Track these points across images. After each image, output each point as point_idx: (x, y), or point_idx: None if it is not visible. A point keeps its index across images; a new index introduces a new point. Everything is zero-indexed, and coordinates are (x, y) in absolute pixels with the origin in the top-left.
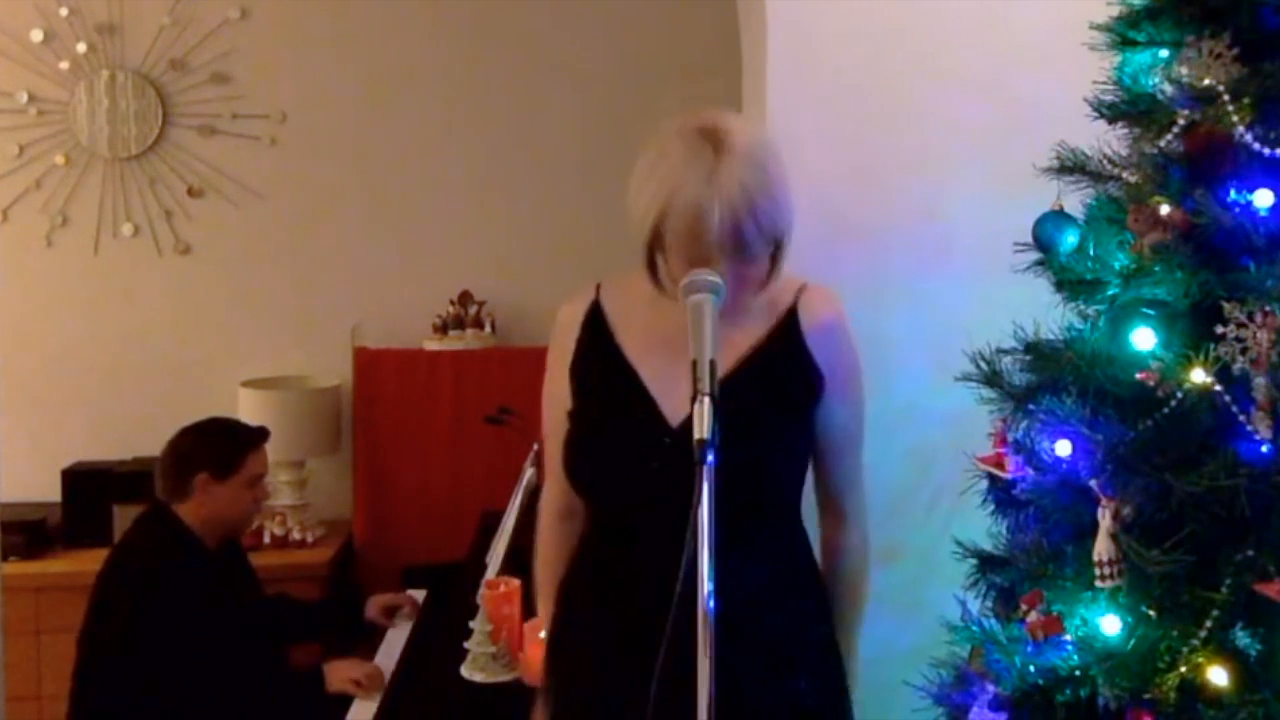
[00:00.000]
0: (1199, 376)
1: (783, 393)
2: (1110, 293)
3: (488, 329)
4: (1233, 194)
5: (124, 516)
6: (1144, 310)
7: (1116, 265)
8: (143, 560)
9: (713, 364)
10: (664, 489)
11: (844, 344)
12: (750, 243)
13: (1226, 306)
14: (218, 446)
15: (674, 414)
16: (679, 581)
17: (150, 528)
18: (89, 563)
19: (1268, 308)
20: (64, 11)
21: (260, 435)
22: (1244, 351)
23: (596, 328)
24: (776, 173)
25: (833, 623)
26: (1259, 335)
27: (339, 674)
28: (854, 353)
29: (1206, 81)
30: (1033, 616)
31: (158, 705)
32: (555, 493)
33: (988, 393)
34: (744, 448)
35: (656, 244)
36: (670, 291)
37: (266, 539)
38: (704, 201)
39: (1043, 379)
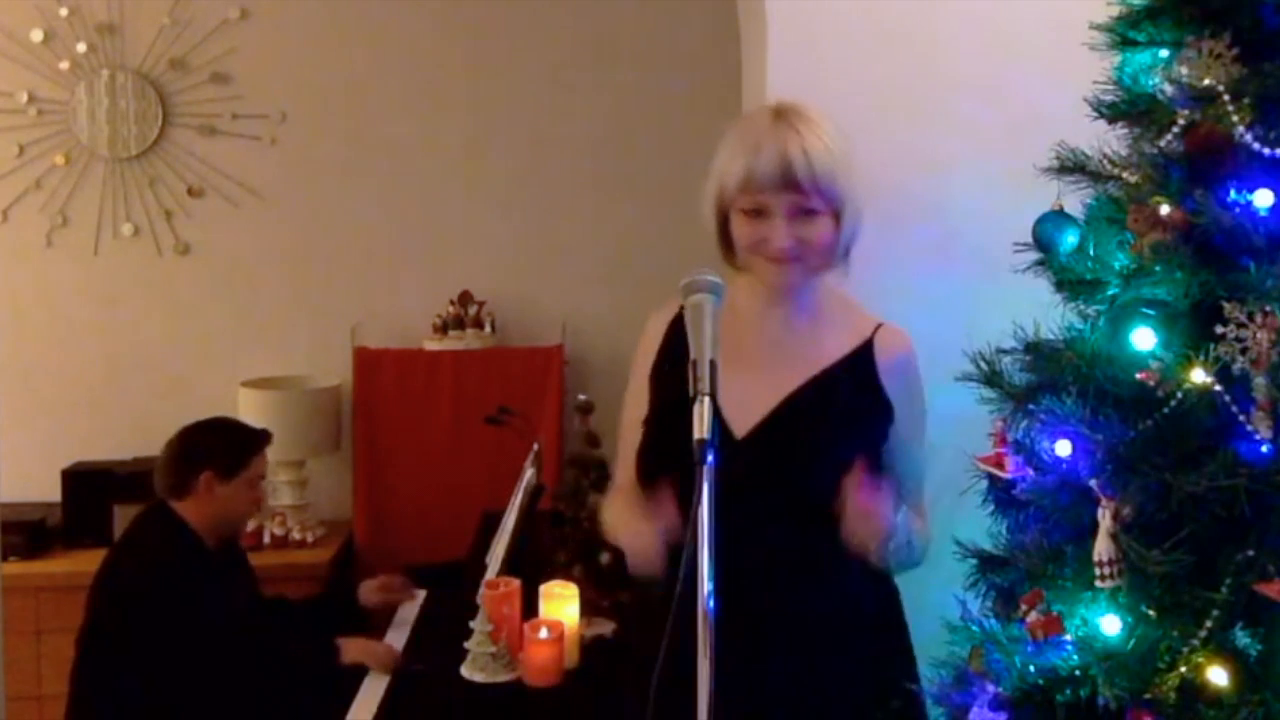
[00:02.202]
0: (1199, 376)
1: (850, 417)
2: (1110, 293)
3: (488, 329)
4: (1233, 194)
5: (124, 516)
6: (1144, 310)
7: (1116, 265)
8: (143, 559)
9: (713, 364)
10: (727, 500)
11: (916, 380)
12: (800, 180)
13: (1226, 306)
14: (225, 446)
15: (740, 426)
16: (680, 581)
17: (151, 526)
18: (89, 563)
19: (1268, 308)
20: (64, 11)
21: (264, 438)
22: (1244, 351)
23: (679, 338)
24: (839, 139)
25: (904, 645)
26: (1259, 335)
27: (354, 647)
28: (922, 389)
29: (1206, 81)
30: (1033, 616)
31: (156, 704)
32: (623, 480)
33: (988, 393)
34: (802, 463)
35: (725, 219)
36: (743, 265)
37: (266, 539)
38: (759, 143)
39: (1043, 379)
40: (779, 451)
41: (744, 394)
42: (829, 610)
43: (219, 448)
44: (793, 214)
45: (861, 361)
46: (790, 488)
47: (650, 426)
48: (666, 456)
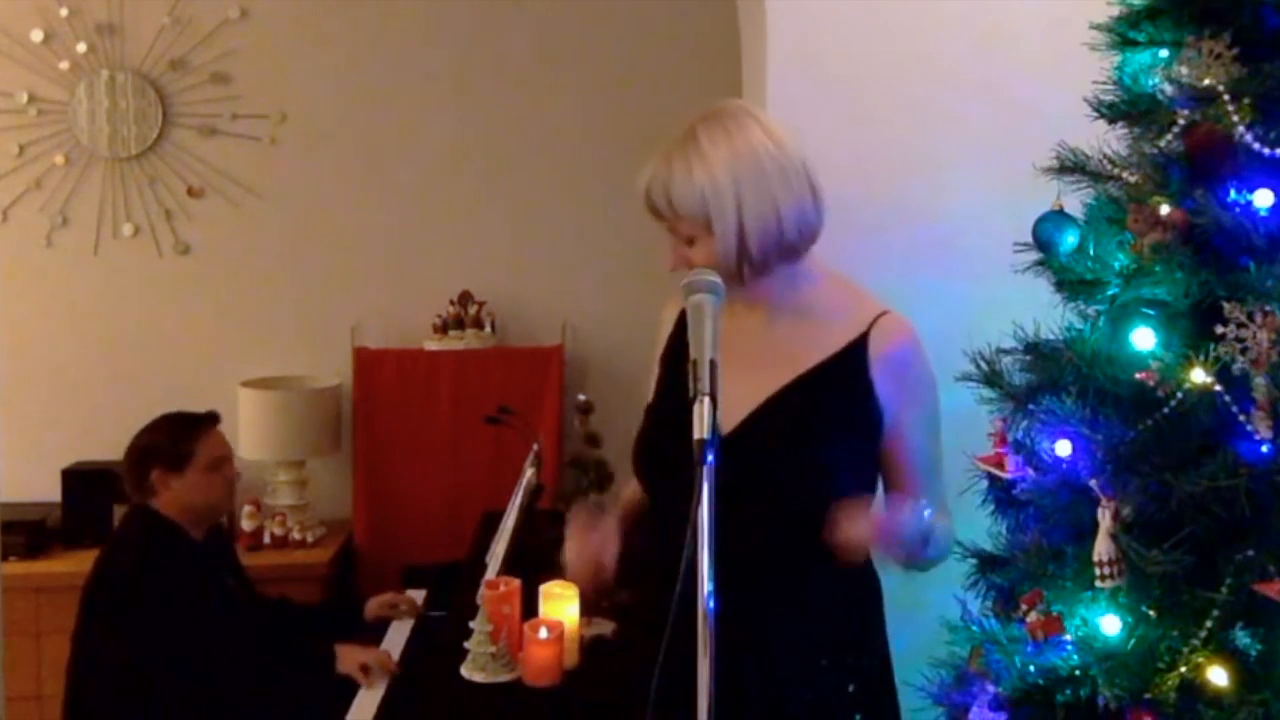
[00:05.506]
0: (1199, 376)
1: (836, 417)
2: (1110, 293)
3: (488, 329)
4: (1233, 194)
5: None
6: (1144, 310)
7: (1116, 265)
8: (129, 556)
9: (713, 363)
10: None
11: (915, 372)
12: (658, 207)
13: (1226, 306)
14: (164, 440)
15: (725, 421)
16: (679, 580)
17: (134, 524)
18: (89, 563)
19: (1268, 308)
20: (64, 11)
21: (207, 419)
22: (1244, 351)
23: (682, 331)
24: (718, 155)
25: (882, 652)
26: (1259, 335)
27: (350, 657)
28: (929, 379)
29: (1206, 81)
30: (1033, 616)
31: (151, 700)
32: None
33: (988, 393)
34: (779, 465)
35: None
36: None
37: (266, 539)
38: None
39: (1043, 379)
40: (757, 453)
41: (728, 395)
42: (797, 613)
43: (159, 443)
44: (676, 235)
45: (854, 357)
46: (768, 489)
47: (649, 413)
48: (658, 448)
